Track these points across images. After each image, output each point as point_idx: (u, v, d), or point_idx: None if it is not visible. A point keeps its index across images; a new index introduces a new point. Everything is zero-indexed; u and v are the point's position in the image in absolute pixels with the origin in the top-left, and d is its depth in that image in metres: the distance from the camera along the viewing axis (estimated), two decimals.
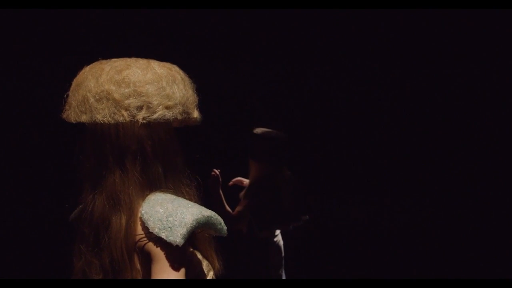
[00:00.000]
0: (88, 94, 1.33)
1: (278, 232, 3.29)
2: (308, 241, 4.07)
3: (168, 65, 1.44)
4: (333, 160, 4.41)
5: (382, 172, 4.44)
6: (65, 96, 1.41)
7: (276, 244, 3.27)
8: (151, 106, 1.32)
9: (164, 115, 1.33)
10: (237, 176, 3.47)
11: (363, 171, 4.44)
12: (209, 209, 1.34)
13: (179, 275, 1.24)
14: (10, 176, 3.54)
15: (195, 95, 1.46)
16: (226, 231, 1.35)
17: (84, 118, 1.33)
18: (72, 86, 1.40)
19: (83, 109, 1.33)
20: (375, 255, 4.28)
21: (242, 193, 3.27)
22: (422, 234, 4.35)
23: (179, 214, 1.25)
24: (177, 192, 1.39)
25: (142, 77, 1.34)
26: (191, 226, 1.25)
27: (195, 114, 1.43)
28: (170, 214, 1.26)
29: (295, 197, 3.30)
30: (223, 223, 1.34)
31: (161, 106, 1.33)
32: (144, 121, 1.32)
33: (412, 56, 4.30)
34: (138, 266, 1.29)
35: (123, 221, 1.30)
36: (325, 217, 4.22)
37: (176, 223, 1.24)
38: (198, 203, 1.44)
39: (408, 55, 4.29)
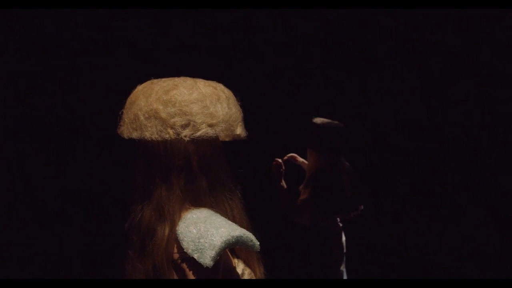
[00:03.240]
0: (139, 113, 1.41)
1: (340, 225, 3.29)
2: (370, 237, 4.03)
3: (213, 84, 1.50)
4: (390, 151, 4.34)
5: (440, 166, 4.33)
6: (120, 113, 1.50)
7: (338, 239, 3.27)
8: (195, 124, 1.39)
9: (207, 132, 1.39)
10: (294, 173, 3.46)
11: (423, 164, 4.35)
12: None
13: None
14: (71, 185, 3.77)
15: (239, 112, 1.51)
16: (258, 247, 1.39)
17: (135, 135, 1.42)
18: (126, 104, 1.49)
19: (134, 126, 1.42)
20: (438, 253, 4.19)
21: (301, 186, 3.28)
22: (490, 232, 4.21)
23: (209, 235, 1.31)
24: (219, 205, 1.45)
25: (188, 97, 1.41)
26: (219, 248, 1.30)
27: (238, 131, 1.48)
28: (201, 235, 1.31)
29: (353, 186, 3.29)
30: (254, 240, 1.38)
31: (204, 124, 1.39)
32: (188, 138, 1.38)
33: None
34: (175, 277, 1.36)
35: (166, 231, 1.37)
36: (387, 212, 4.17)
37: (206, 245, 1.30)
38: (241, 216, 1.50)
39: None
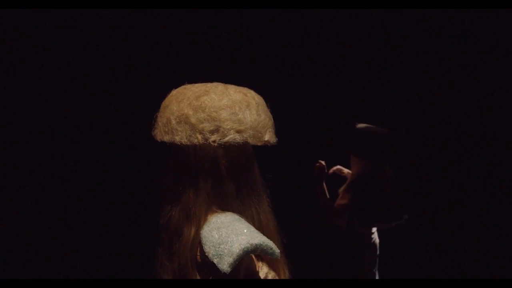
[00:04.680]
0: (171, 117, 1.45)
1: (374, 229, 3.26)
2: (403, 240, 3.99)
3: (244, 90, 1.52)
4: (435, 157, 4.27)
5: (486, 172, 4.24)
6: (154, 116, 1.54)
7: (372, 242, 3.25)
8: (223, 130, 1.41)
9: (235, 138, 1.42)
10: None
11: (466, 170, 4.27)
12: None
13: None
14: (107, 185, 3.89)
15: (269, 118, 1.52)
16: (278, 254, 1.40)
17: (166, 138, 1.46)
18: (160, 107, 1.53)
19: (166, 129, 1.46)
20: (476, 257, 4.12)
21: (341, 189, 3.26)
22: None
23: (229, 242, 1.33)
24: (246, 209, 1.47)
25: (217, 103, 1.44)
26: (237, 256, 1.32)
27: (267, 137, 1.49)
28: (222, 241, 1.34)
29: (396, 194, 3.25)
30: (274, 248, 1.39)
31: (232, 130, 1.42)
32: (216, 144, 1.41)
33: None
34: (198, 277, 1.40)
35: (192, 233, 1.41)
36: (423, 216, 4.11)
37: (225, 251, 1.33)
38: (268, 220, 1.51)
39: None
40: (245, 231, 1.37)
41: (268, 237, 1.47)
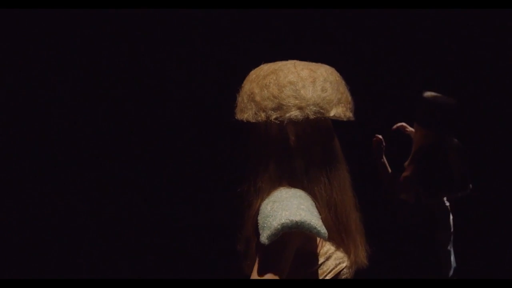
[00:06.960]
0: (244, 96, 1.51)
1: (447, 204, 3.17)
2: (478, 216, 3.87)
3: (314, 66, 1.51)
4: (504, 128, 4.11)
5: None
6: (236, 95, 1.58)
7: (445, 219, 3.16)
8: (284, 107, 1.43)
9: (296, 115, 1.42)
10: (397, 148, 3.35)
11: None
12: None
13: (272, 273, 1.34)
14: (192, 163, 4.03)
15: (339, 93, 1.48)
16: (324, 235, 1.36)
17: (239, 116, 1.51)
18: (241, 87, 1.57)
19: (240, 108, 1.51)
20: None
21: (406, 162, 3.18)
22: None
23: (273, 215, 1.35)
24: (315, 186, 1.46)
25: (282, 80, 1.45)
26: (275, 230, 1.33)
27: (333, 112, 1.46)
28: (269, 214, 1.36)
29: (462, 165, 3.15)
30: (318, 228, 1.35)
31: (294, 107, 1.42)
32: (277, 121, 1.43)
33: None
34: None
35: (257, 205, 1.45)
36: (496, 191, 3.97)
37: (268, 224, 1.34)
38: (343, 196, 1.48)
39: None
40: (292, 207, 1.36)
41: (341, 216, 1.47)
